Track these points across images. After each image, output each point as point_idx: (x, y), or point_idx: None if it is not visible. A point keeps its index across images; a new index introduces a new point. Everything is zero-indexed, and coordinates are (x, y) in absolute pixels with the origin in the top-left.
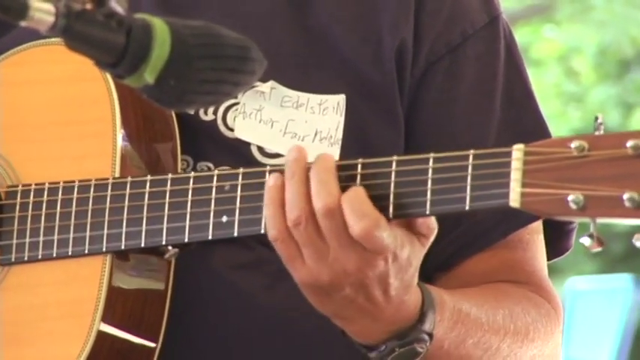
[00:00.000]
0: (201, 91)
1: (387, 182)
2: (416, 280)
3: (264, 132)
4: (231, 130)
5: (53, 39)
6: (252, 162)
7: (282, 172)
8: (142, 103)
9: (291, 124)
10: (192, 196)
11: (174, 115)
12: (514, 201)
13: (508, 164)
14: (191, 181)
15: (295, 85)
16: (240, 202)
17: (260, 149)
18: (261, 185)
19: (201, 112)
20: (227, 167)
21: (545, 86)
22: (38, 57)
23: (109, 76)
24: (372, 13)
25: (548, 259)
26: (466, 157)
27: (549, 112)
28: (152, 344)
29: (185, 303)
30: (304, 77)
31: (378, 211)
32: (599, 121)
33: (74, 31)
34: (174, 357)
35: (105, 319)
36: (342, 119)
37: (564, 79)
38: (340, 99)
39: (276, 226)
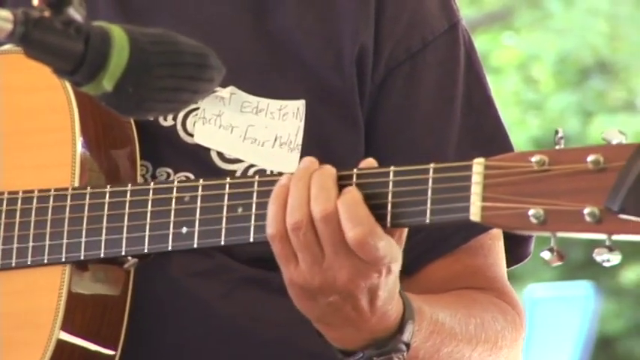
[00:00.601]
0: (160, 99)
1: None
2: (398, 288)
3: (224, 137)
4: (191, 135)
5: (11, 47)
6: (211, 168)
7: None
8: (102, 111)
9: (250, 130)
10: (151, 206)
11: (132, 121)
12: (474, 215)
13: (469, 178)
14: (150, 192)
15: (255, 90)
16: (200, 214)
17: (220, 155)
18: (221, 197)
19: (161, 117)
20: (186, 177)
21: (505, 94)
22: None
23: (68, 85)
24: (332, 18)
25: (508, 265)
26: (426, 171)
27: (508, 119)
28: (111, 352)
29: (143, 310)
30: (264, 83)
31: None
32: (560, 135)
33: (32, 38)
34: None
35: (64, 327)
36: (301, 124)
37: (523, 86)
38: (300, 104)
39: (276, 225)
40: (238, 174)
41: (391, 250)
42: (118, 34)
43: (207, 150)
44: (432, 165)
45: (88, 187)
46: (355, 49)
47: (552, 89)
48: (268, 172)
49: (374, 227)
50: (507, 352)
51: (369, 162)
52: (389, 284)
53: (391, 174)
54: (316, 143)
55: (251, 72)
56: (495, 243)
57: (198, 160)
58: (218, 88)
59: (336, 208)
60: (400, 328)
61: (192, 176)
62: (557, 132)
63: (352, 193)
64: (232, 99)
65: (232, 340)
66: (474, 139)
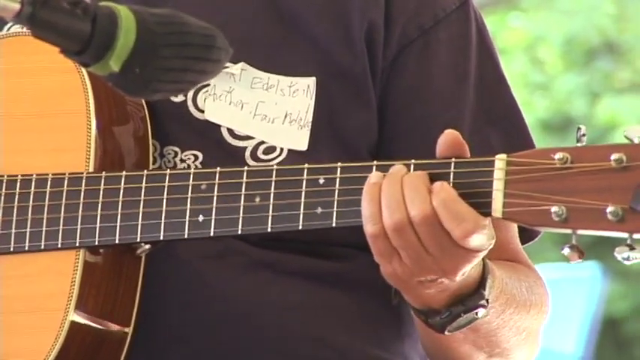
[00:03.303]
0: (167, 80)
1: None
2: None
3: (234, 114)
4: (202, 111)
5: (25, 29)
6: (221, 145)
7: (383, 168)
8: (116, 95)
9: (261, 106)
10: (167, 194)
11: (144, 103)
12: (496, 211)
13: (490, 173)
14: (167, 178)
15: (266, 66)
16: (217, 202)
17: (230, 131)
18: (239, 185)
19: None
20: (194, 156)
21: (512, 75)
22: (11, 48)
23: (83, 69)
24: None
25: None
26: (448, 165)
27: None
28: (124, 331)
29: (154, 292)
30: (275, 59)
31: (355, 218)
32: (582, 132)
33: (39, 18)
34: (143, 343)
35: (77, 311)
36: (312, 102)
37: (530, 68)
38: (310, 81)
39: (376, 224)
40: (248, 151)
41: (491, 232)
42: (125, 15)
43: (218, 126)
44: (453, 159)
45: (103, 172)
46: (364, 25)
47: (559, 70)
48: (278, 150)
49: (477, 219)
50: (546, 318)
51: (449, 134)
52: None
53: (412, 167)
54: (326, 120)
55: (262, 48)
56: None
57: (208, 136)
58: (229, 64)
59: (434, 209)
60: (482, 282)
61: (199, 154)
62: (579, 129)
63: (445, 190)
64: (243, 75)
65: (241, 323)
66: (487, 116)
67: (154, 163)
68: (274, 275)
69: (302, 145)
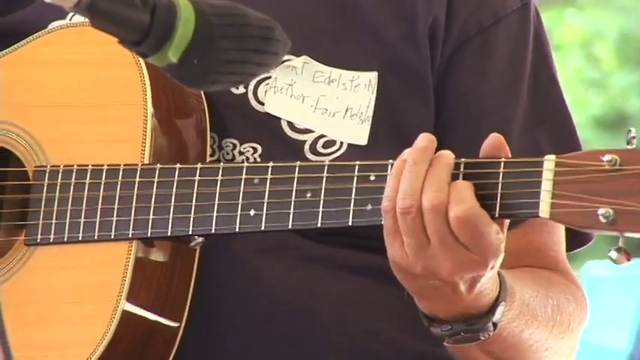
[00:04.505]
0: (225, 71)
1: None
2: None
3: (295, 107)
4: (262, 104)
5: (85, 20)
6: (281, 138)
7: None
8: (174, 87)
9: (322, 100)
10: (220, 187)
11: (204, 96)
12: (544, 212)
13: (539, 174)
14: (220, 172)
15: (328, 60)
16: (269, 197)
17: (290, 124)
18: (290, 181)
19: None
20: (253, 148)
21: (567, 72)
22: (70, 38)
23: (141, 61)
24: None
25: (571, 249)
26: (497, 165)
27: (571, 98)
28: (175, 324)
29: (207, 285)
30: (337, 53)
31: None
32: (632, 134)
33: (99, 8)
34: (196, 337)
35: (130, 302)
36: (373, 96)
37: (586, 64)
38: (372, 76)
39: (390, 201)
40: (307, 144)
41: (498, 237)
42: (184, 5)
43: (278, 119)
44: (502, 159)
45: (158, 164)
46: (428, 20)
47: (614, 67)
48: (338, 144)
49: (479, 209)
50: (575, 335)
51: (495, 137)
52: (491, 274)
53: (462, 166)
54: (387, 115)
55: (324, 42)
56: (557, 224)
57: (268, 129)
58: (291, 57)
59: (447, 199)
60: (492, 308)
61: (258, 147)
62: (629, 131)
63: (461, 182)
64: (305, 68)
65: (296, 316)
66: (538, 118)
67: (212, 155)
68: (328, 269)
69: (362, 139)
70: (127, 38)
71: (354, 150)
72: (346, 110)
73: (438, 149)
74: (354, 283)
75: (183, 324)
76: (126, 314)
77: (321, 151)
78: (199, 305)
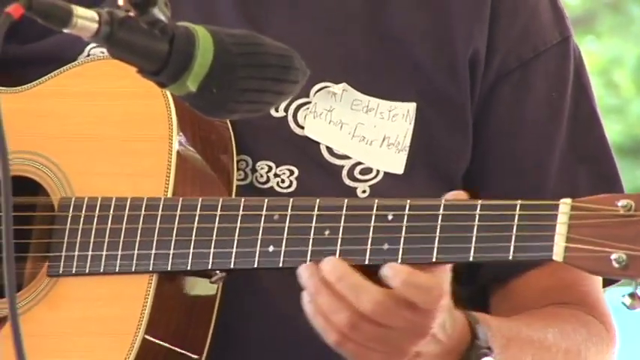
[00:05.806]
0: (243, 100)
1: (433, 225)
2: (452, 311)
3: (334, 133)
4: (302, 127)
5: None
6: (319, 162)
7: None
8: (201, 120)
9: (360, 128)
10: (241, 223)
11: (231, 129)
12: (557, 255)
13: (554, 217)
14: (241, 207)
15: (367, 89)
16: (288, 233)
17: (329, 149)
18: (310, 218)
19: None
20: (289, 171)
21: None
22: (100, 70)
23: (169, 94)
24: (446, 22)
25: (607, 285)
26: (513, 207)
27: None
28: (196, 356)
29: (230, 319)
30: (376, 82)
31: (419, 255)
32: None
33: (117, 38)
34: None
35: (147, 336)
36: (410, 127)
37: (605, 91)
38: (410, 107)
39: (333, 333)
40: (345, 170)
41: (443, 282)
42: (203, 35)
43: (317, 144)
44: (519, 202)
45: (180, 198)
46: (468, 52)
47: (633, 94)
48: (374, 172)
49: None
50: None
51: (458, 194)
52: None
53: (478, 207)
54: (424, 146)
55: (364, 70)
56: None
57: (307, 152)
58: (330, 84)
59: (389, 294)
60: (473, 332)
61: (295, 170)
62: None
63: (402, 270)
64: (344, 95)
65: (317, 354)
66: (577, 154)
67: (244, 179)
68: None
69: (398, 168)
70: (145, 67)
71: (390, 178)
72: (383, 139)
73: (473, 183)
74: None
75: (204, 355)
76: (145, 346)
77: (359, 177)
78: (219, 338)
